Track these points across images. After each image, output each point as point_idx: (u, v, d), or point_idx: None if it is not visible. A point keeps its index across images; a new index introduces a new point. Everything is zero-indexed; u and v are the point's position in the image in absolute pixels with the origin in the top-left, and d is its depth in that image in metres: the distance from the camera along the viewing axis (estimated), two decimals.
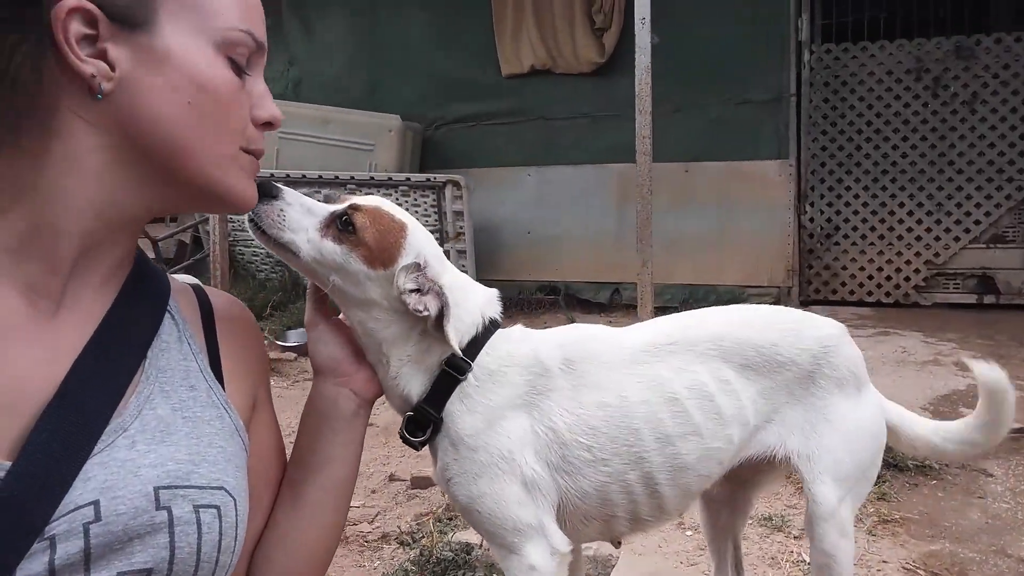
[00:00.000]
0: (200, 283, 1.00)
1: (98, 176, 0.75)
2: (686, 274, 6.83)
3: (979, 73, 6.01)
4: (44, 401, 0.70)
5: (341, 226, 1.08)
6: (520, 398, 1.22)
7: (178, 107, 0.76)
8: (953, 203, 6.18)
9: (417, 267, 1.12)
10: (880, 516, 2.53)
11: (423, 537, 2.50)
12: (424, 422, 1.19)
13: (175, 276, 0.95)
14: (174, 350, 0.84)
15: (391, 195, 6.98)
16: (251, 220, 1.04)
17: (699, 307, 5.15)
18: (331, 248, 1.08)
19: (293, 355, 5.88)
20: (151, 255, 7.52)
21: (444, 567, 2.29)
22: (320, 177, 6.55)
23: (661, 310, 5.88)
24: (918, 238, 6.30)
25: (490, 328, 1.22)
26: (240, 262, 7.86)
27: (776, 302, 6.73)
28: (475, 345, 1.19)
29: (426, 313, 1.11)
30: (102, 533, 0.68)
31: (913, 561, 2.28)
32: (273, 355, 5.81)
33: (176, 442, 0.76)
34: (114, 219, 0.77)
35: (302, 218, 1.07)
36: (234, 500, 0.79)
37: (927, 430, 1.61)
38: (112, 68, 0.73)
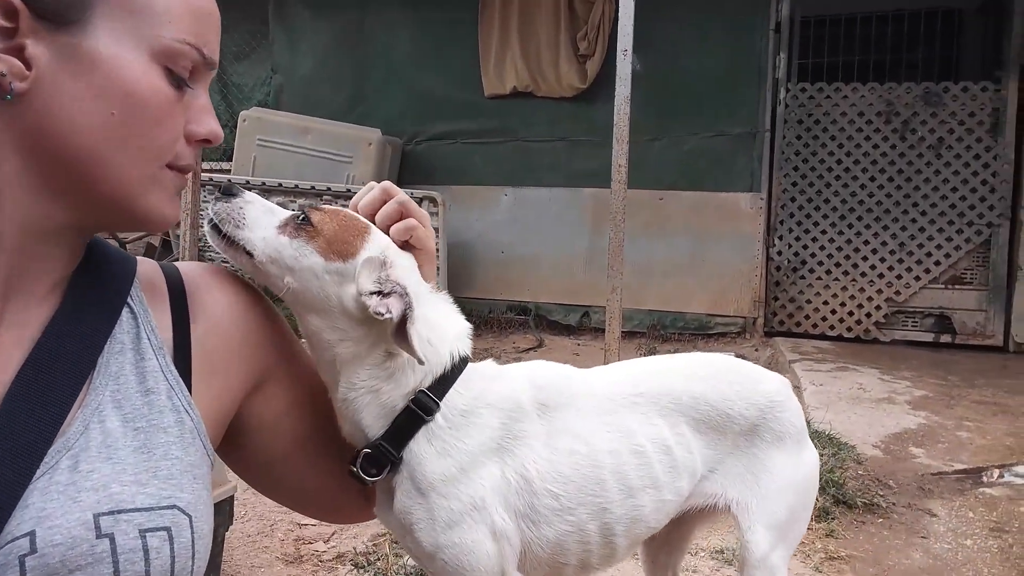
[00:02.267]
0: (175, 264, 0.93)
1: (11, 185, 0.69)
2: (655, 300, 6.92)
3: (945, 119, 6.22)
4: None
5: (299, 223, 1.01)
6: (494, 442, 1.16)
7: (99, 116, 0.70)
8: (915, 243, 6.36)
9: (381, 264, 1.02)
10: (827, 553, 2.60)
11: (378, 559, 2.51)
12: (382, 460, 1.09)
13: (144, 260, 0.89)
14: (130, 351, 0.78)
15: None
16: (209, 221, 0.98)
17: (666, 333, 5.27)
18: (285, 243, 1.00)
19: None
20: None
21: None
22: (296, 187, 6.54)
23: (629, 335, 5.99)
24: (880, 275, 6.47)
25: (459, 365, 1.13)
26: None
27: (742, 332, 6.86)
28: (444, 382, 1.11)
29: (388, 315, 1.00)
30: (38, 566, 0.64)
31: None
32: None
33: (123, 459, 0.71)
34: (41, 232, 0.72)
35: (261, 217, 1.00)
36: (189, 517, 0.74)
37: None
38: (28, 67, 0.67)
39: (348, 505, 1.09)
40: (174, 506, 0.72)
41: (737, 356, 5.94)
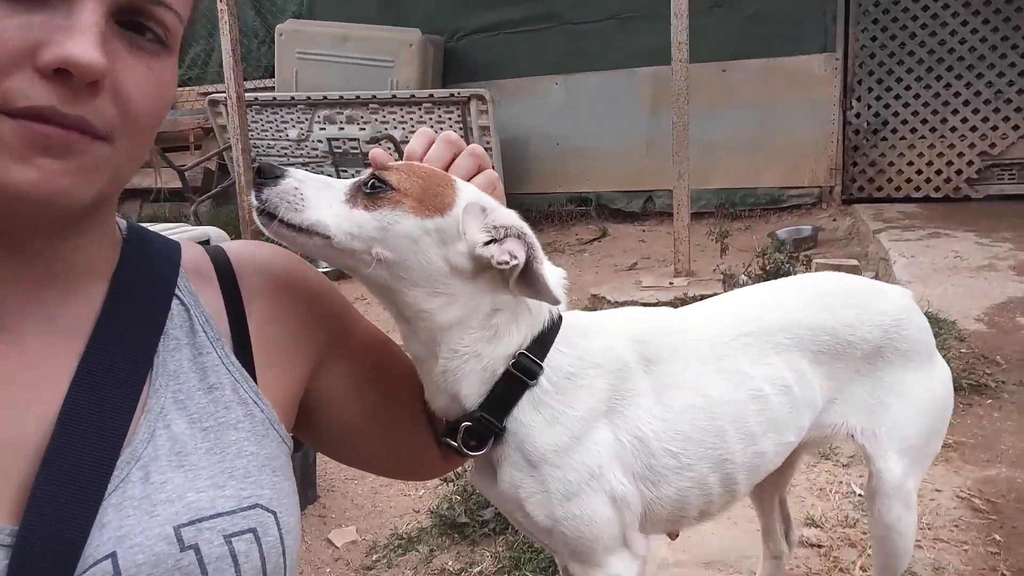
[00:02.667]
0: (217, 242, 0.87)
1: None
2: (723, 178, 6.61)
3: None
4: (41, 450, 0.61)
5: (371, 190, 0.90)
6: (603, 404, 1.07)
7: None
8: (1014, 89, 5.78)
9: (482, 210, 0.92)
10: None
11: (465, 471, 2.53)
12: (484, 433, 1.01)
13: (189, 244, 0.81)
14: (186, 346, 0.72)
15: (414, 113, 6.78)
16: (260, 210, 0.86)
17: (736, 211, 5.06)
18: (365, 216, 0.88)
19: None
20: (179, 185, 7.52)
21: (485, 502, 2.31)
22: (341, 98, 6.37)
23: (696, 216, 5.75)
24: (973, 128, 5.95)
25: (557, 321, 1.04)
26: None
27: (817, 202, 6.52)
28: (543, 341, 1.02)
29: (515, 262, 0.90)
30: None
31: (968, 489, 2.23)
32: None
33: (195, 464, 0.67)
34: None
35: (321, 193, 0.88)
36: (273, 514, 0.70)
37: None
38: None
39: (425, 464, 1.05)
40: (256, 505, 0.69)
41: (815, 228, 5.67)
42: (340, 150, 7.18)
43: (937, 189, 6.09)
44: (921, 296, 3.53)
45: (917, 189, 6.16)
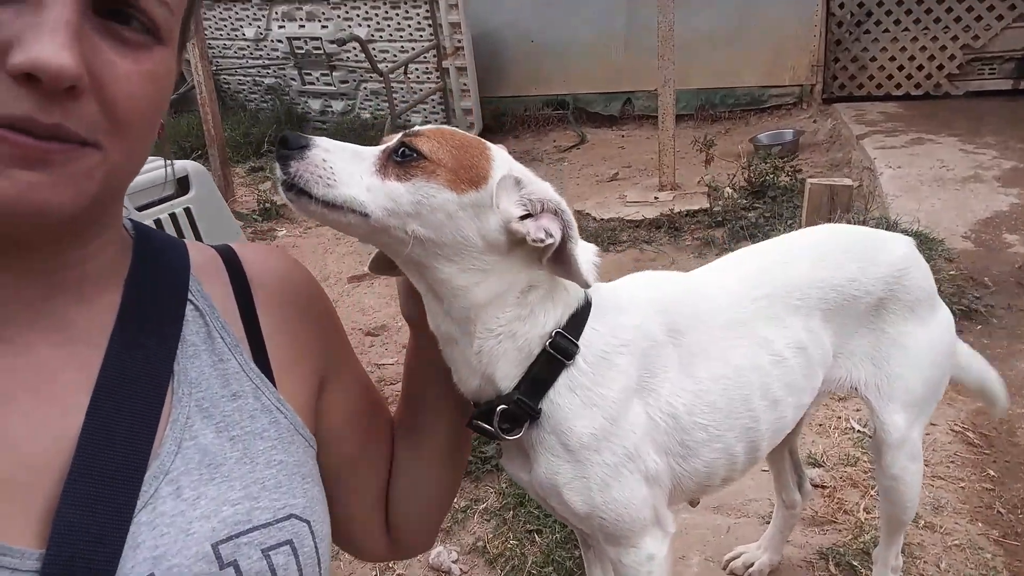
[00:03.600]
0: (229, 244, 0.80)
1: None
2: (701, 77, 6.42)
3: None
4: (64, 466, 0.58)
5: (402, 159, 0.83)
6: (636, 382, 1.05)
7: None
8: None
9: (516, 182, 0.87)
10: None
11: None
12: (519, 415, 0.97)
13: (195, 244, 0.76)
14: (204, 353, 0.69)
15: (379, 8, 6.36)
16: (287, 184, 0.79)
17: (716, 112, 4.97)
18: (400, 189, 0.82)
19: None
20: None
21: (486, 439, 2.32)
22: None
23: (677, 119, 5.60)
24: (958, 19, 5.81)
25: (589, 298, 1.00)
26: (227, 92, 7.39)
27: (798, 102, 6.40)
28: (578, 321, 0.98)
29: (550, 240, 0.85)
30: None
31: (962, 422, 2.30)
32: (279, 199, 5.63)
33: (227, 475, 0.65)
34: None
35: (351, 164, 0.81)
36: (307, 523, 0.68)
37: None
38: None
39: (368, 540, 0.92)
40: (290, 516, 0.67)
41: (796, 132, 5.59)
42: (302, 51, 6.76)
43: (918, 86, 6.00)
44: (910, 213, 3.53)
45: (898, 87, 6.06)
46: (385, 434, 0.90)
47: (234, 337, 0.71)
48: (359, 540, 0.91)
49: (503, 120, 6.83)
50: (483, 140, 0.89)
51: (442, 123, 7.08)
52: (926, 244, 3.24)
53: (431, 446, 0.91)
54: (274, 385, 0.72)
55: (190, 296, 0.70)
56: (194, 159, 4.67)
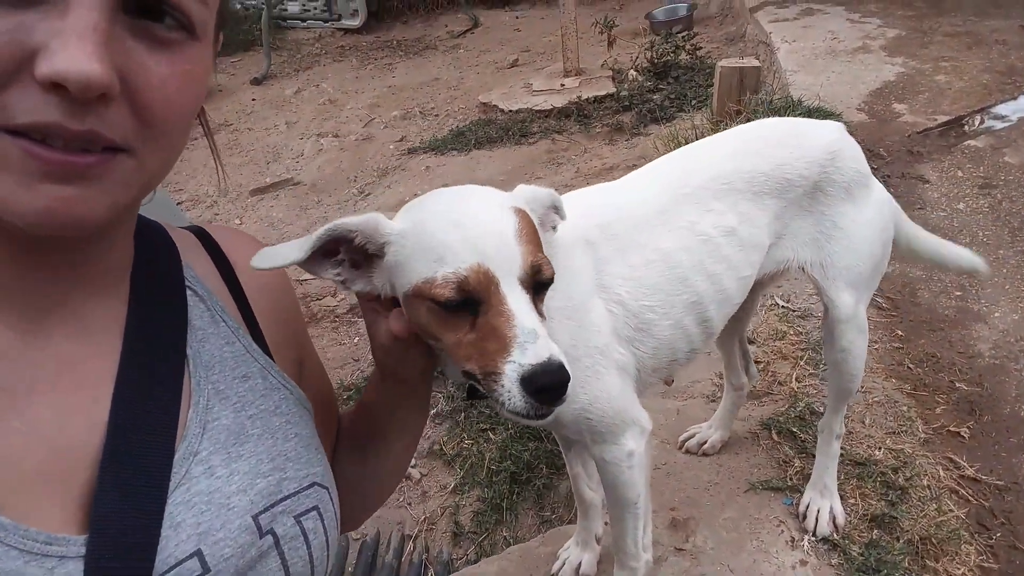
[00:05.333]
0: (200, 226, 0.79)
1: None
2: None
3: None
4: (96, 454, 0.59)
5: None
6: (592, 281, 1.16)
7: None
8: None
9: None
10: None
11: None
12: None
13: (170, 226, 0.75)
14: (212, 336, 0.70)
15: None
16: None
17: None
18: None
19: None
20: None
21: None
22: None
23: None
24: None
25: None
26: None
27: None
28: None
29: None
30: None
31: None
32: None
33: (253, 451, 0.68)
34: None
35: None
36: (327, 489, 0.72)
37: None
38: None
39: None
40: (313, 483, 0.71)
41: (690, 6, 5.58)
42: None
43: None
44: (809, 87, 3.66)
45: None
46: (331, 427, 0.91)
47: (234, 320, 0.72)
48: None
49: (388, 5, 6.44)
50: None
51: (322, 12, 6.55)
52: (828, 118, 3.39)
53: (381, 458, 0.91)
54: (274, 363, 0.74)
55: (187, 283, 0.71)
56: None
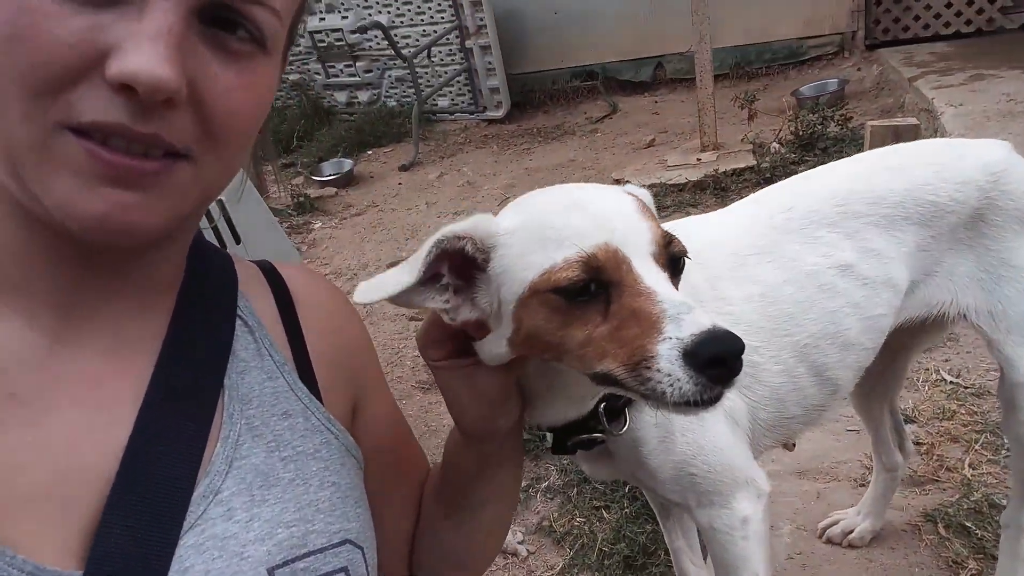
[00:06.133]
0: (270, 261, 0.76)
1: None
2: (736, 34, 6.17)
3: None
4: (107, 481, 0.54)
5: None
6: None
7: None
8: None
9: None
10: None
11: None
12: (617, 407, 0.87)
13: (238, 258, 0.73)
14: (255, 369, 0.66)
15: None
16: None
17: (752, 70, 4.78)
18: None
19: (333, 189, 5.63)
20: None
21: None
22: None
23: (714, 80, 5.38)
24: None
25: None
26: None
27: (839, 51, 6.11)
28: None
29: None
30: None
31: None
32: (313, 192, 5.57)
33: (280, 497, 0.61)
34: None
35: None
36: (361, 550, 0.65)
37: None
38: None
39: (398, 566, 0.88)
40: (345, 541, 0.64)
41: (841, 81, 5.32)
42: (324, 43, 6.68)
43: (968, 23, 5.66)
44: None
45: (947, 25, 5.73)
46: (413, 478, 0.85)
47: (282, 355, 0.68)
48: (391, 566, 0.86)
49: (531, 96, 6.67)
50: None
51: (468, 104, 6.94)
52: None
53: (477, 525, 0.83)
54: (322, 404, 0.69)
55: (239, 312, 0.68)
56: None
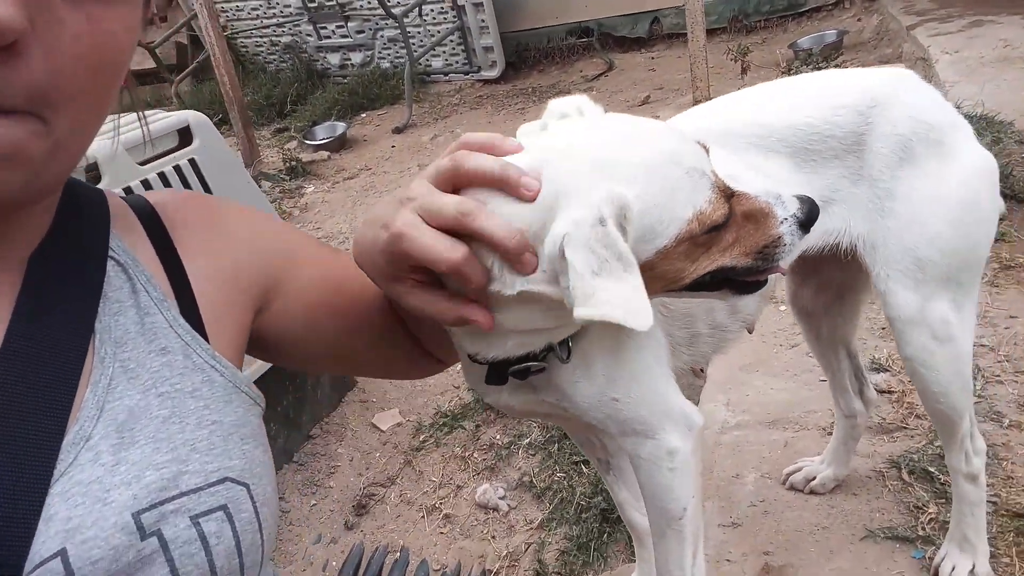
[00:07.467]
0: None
1: None
2: None
3: None
4: None
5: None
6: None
7: None
8: None
9: None
10: (1001, 262, 2.28)
11: None
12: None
13: (111, 194, 0.70)
14: (130, 308, 0.64)
15: None
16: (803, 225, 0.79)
17: (750, 23, 4.68)
18: None
19: (326, 153, 5.60)
20: (151, 64, 6.96)
21: None
22: None
23: (709, 34, 5.28)
24: None
25: None
26: (246, 56, 7.27)
27: (839, 2, 5.95)
28: None
29: None
30: None
31: None
32: (305, 156, 5.54)
33: (153, 436, 0.59)
34: None
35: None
36: (246, 486, 0.63)
37: None
38: None
39: (416, 366, 0.94)
40: (225, 479, 0.62)
41: (839, 32, 5.20)
42: (314, 4, 6.58)
43: None
44: (972, 96, 3.21)
45: None
46: (366, 296, 0.84)
47: (160, 291, 0.66)
48: (412, 366, 0.93)
49: (526, 55, 6.56)
50: None
51: (463, 65, 6.84)
52: (992, 127, 2.94)
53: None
54: (207, 341, 0.67)
55: (111, 252, 0.65)
56: (216, 123, 4.61)
